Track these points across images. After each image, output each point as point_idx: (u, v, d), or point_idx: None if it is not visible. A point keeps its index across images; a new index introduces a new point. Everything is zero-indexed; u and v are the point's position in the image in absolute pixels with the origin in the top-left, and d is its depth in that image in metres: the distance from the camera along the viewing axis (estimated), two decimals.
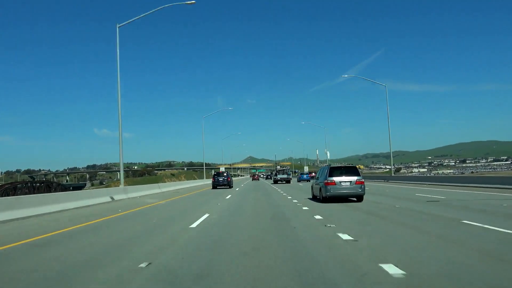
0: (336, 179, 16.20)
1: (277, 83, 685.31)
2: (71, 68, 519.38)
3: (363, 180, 16.51)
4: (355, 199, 17.00)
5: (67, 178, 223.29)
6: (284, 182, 48.20)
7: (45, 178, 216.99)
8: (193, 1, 26.23)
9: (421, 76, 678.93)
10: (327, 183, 16.22)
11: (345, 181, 16.21)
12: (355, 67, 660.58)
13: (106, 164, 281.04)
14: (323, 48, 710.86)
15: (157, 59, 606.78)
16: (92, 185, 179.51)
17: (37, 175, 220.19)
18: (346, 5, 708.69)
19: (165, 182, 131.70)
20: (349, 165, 17.26)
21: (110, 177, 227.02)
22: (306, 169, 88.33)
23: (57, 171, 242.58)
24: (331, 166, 17.21)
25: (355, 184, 16.20)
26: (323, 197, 16.53)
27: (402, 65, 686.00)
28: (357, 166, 19.71)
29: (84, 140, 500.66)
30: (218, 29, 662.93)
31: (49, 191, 50.36)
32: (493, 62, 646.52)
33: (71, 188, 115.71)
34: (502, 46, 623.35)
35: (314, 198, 18.90)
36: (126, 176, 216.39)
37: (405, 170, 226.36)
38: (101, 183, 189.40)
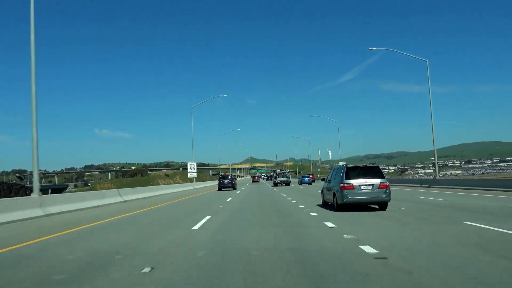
0: (355, 182, 13.02)
1: (277, 83, 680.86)
2: (71, 68, 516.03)
3: (388, 183, 13.30)
4: (376, 206, 13.82)
5: (56, 178, 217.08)
6: (284, 184, 49.27)
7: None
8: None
9: (422, 77, 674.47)
10: (344, 187, 13.04)
11: (365, 185, 13.03)
12: (356, 67, 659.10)
13: (104, 164, 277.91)
14: (323, 48, 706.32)
15: (157, 59, 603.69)
16: (76, 186, 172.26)
17: (24, 175, 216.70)
18: (346, 5, 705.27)
19: (159, 183, 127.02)
20: (370, 165, 14.05)
21: (101, 178, 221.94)
22: (341, 163, 64.32)
23: (54, 171, 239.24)
24: (348, 166, 14.04)
25: (378, 188, 13.01)
26: (338, 204, 13.35)
27: (403, 65, 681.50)
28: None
29: (85, 140, 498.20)
30: (218, 29, 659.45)
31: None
32: (494, 63, 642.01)
33: (49, 190, 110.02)
34: (504, 47, 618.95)
35: (326, 205, 15.69)
36: (116, 176, 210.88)
37: (410, 171, 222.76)
38: (85, 185, 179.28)
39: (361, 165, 14.42)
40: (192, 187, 46.13)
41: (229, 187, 39.14)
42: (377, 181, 13.06)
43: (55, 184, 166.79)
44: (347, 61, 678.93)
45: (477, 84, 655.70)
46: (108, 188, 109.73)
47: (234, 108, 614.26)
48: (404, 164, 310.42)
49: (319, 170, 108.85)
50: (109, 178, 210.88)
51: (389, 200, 13.27)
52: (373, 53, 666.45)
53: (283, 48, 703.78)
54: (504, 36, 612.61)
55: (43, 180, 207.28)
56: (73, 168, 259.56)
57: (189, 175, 49.39)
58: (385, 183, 13.11)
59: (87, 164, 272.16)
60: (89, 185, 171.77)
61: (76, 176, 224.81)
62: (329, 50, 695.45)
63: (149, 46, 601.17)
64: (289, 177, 52.59)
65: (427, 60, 33.21)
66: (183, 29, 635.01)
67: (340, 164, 50.11)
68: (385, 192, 13.07)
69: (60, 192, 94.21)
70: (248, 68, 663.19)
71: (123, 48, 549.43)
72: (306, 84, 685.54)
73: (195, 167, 48.69)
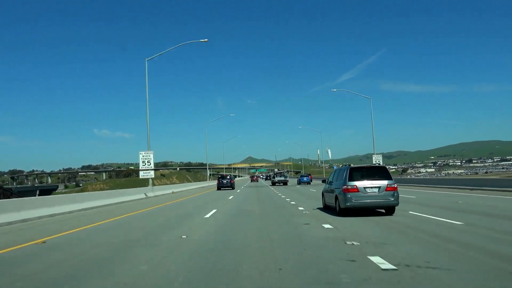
0: (359, 183, 11.79)
1: (277, 83, 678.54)
2: (71, 68, 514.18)
3: (396, 185, 12.07)
4: (383, 210, 12.60)
5: (49, 179, 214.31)
6: (282, 184, 50.69)
7: (27, 179, 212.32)
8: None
9: (422, 76, 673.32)
10: (347, 190, 11.80)
11: (371, 187, 11.79)
12: (356, 67, 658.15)
13: (102, 165, 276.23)
14: (323, 48, 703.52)
15: (157, 60, 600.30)
16: (66, 187, 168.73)
17: (19, 175, 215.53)
18: (346, 5, 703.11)
19: (154, 184, 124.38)
20: (375, 165, 12.89)
21: (95, 178, 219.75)
22: (378, 158, 44.65)
23: (51, 171, 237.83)
24: (352, 166, 12.80)
25: (385, 190, 11.78)
26: (341, 208, 12.10)
27: (403, 65, 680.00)
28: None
29: (84, 140, 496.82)
30: (218, 29, 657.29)
31: None
32: (494, 63, 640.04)
33: (37, 191, 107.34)
34: (504, 47, 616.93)
35: (327, 209, 14.44)
36: (109, 176, 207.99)
37: (412, 171, 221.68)
38: (77, 186, 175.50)
39: (366, 165, 13.19)
40: (142, 196, 25.75)
41: (228, 186, 42.30)
42: (383, 183, 11.83)
43: (36, 185, 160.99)
44: (347, 61, 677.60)
45: (477, 83, 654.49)
46: (100, 189, 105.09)
47: (234, 108, 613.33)
48: (404, 164, 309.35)
49: (335, 167, 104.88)
50: (103, 178, 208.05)
51: (397, 204, 12.04)
52: (373, 53, 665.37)
53: (283, 48, 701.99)
54: (504, 36, 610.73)
55: (36, 181, 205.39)
56: (70, 168, 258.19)
57: (141, 175, 28.91)
58: (392, 185, 11.88)
59: (84, 164, 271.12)
60: (80, 186, 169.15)
61: (69, 177, 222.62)
62: (329, 50, 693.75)
63: (149, 46, 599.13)
64: (286, 177, 55.86)
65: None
66: (183, 29, 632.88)
67: (374, 159, 39.51)
68: (393, 195, 11.84)
69: (49, 194, 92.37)
70: (248, 68, 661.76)
71: (123, 48, 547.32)
72: (306, 84, 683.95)
73: (152, 161, 28.09)
